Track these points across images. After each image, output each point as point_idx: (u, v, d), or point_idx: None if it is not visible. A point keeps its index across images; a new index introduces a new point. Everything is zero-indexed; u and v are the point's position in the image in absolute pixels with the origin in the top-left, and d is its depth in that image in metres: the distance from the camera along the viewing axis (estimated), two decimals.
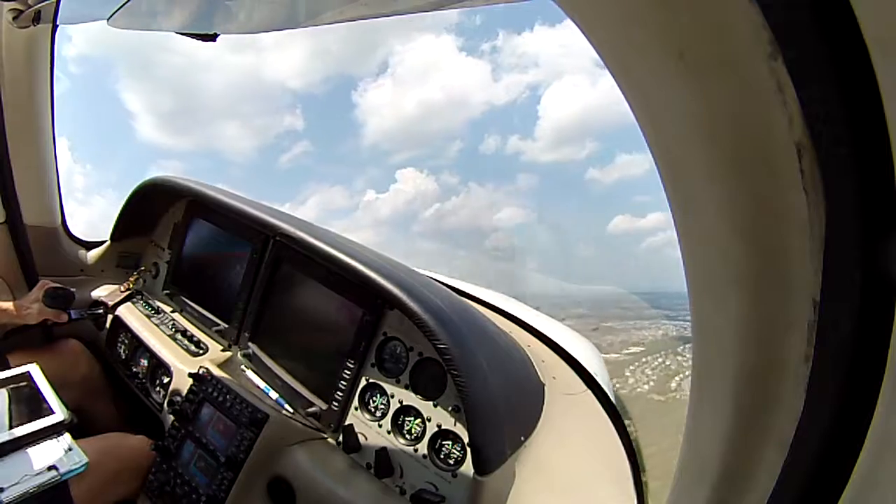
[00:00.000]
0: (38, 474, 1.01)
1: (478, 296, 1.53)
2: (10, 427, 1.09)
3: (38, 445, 1.08)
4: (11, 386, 1.25)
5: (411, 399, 1.19)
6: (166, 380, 1.55)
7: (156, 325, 1.73)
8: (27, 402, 1.21)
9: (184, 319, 1.76)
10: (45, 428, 1.11)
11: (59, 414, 1.16)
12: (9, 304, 1.58)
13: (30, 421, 1.12)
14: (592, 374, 1.26)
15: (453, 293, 1.36)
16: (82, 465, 1.05)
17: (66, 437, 1.12)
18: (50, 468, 1.03)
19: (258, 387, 1.44)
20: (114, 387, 1.83)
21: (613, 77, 0.37)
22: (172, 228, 1.92)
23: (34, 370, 1.31)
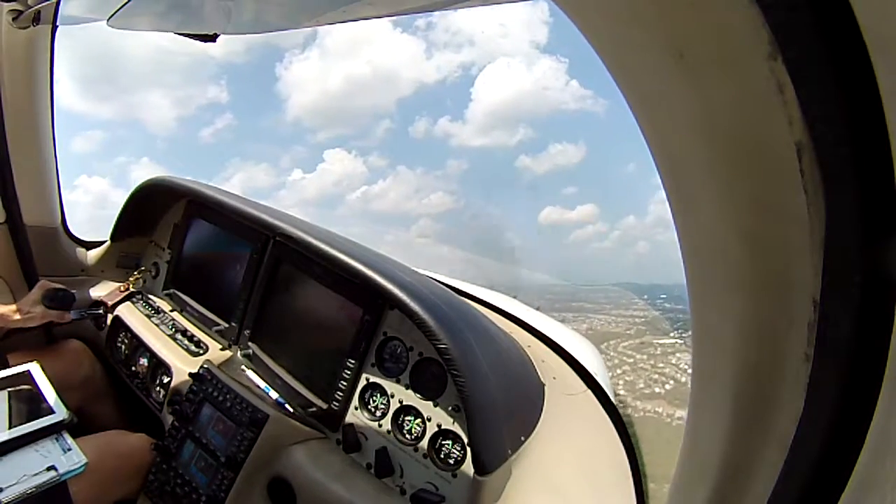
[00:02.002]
0: (37, 474, 1.01)
1: (478, 296, 1.53)
2: (10, 426, 1.09)
3: (37, 445, 1.08)
4: (11, 386, 1.25)
5: (411, 399, 1.19)
6: (166, 379, 1.55)
7: (156, 324, 1.73)
8: (27, 402, 1.20)
9: (184, 319, 1.76)
10: (44, 427, 1.11)
11: (59, 413, 1.16)
12: (9, 308, 1.56)
13: (29, 420, 1.12)
14: (592, 374, 1.26)
15: (453, 293, 1.36)
16: (81, 466, 1.05)
17: (66, 437, 1.12)
18: (49, 468, 1.03)
19: (258, 386, 1.44)
20: (115, 387, 1.83)
21: (613, 77, 0.37)
22: (172, 228, 1.92)
23: (34, 369, 1.31)
